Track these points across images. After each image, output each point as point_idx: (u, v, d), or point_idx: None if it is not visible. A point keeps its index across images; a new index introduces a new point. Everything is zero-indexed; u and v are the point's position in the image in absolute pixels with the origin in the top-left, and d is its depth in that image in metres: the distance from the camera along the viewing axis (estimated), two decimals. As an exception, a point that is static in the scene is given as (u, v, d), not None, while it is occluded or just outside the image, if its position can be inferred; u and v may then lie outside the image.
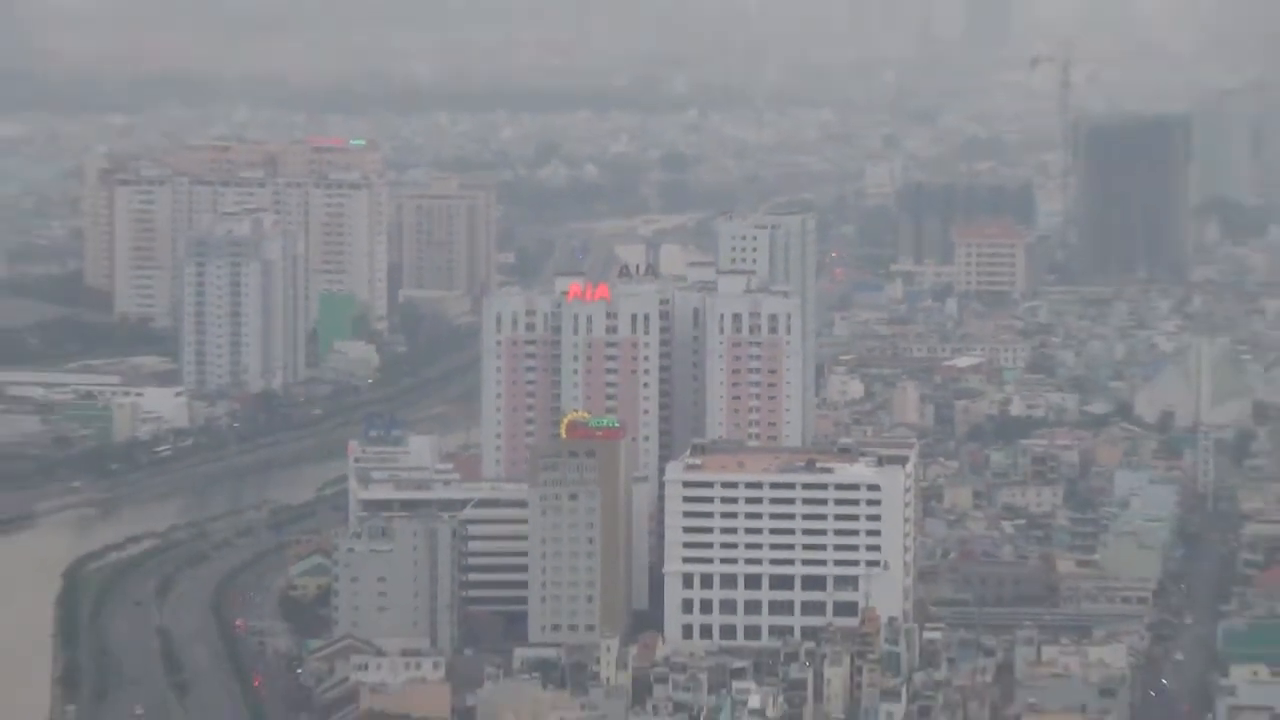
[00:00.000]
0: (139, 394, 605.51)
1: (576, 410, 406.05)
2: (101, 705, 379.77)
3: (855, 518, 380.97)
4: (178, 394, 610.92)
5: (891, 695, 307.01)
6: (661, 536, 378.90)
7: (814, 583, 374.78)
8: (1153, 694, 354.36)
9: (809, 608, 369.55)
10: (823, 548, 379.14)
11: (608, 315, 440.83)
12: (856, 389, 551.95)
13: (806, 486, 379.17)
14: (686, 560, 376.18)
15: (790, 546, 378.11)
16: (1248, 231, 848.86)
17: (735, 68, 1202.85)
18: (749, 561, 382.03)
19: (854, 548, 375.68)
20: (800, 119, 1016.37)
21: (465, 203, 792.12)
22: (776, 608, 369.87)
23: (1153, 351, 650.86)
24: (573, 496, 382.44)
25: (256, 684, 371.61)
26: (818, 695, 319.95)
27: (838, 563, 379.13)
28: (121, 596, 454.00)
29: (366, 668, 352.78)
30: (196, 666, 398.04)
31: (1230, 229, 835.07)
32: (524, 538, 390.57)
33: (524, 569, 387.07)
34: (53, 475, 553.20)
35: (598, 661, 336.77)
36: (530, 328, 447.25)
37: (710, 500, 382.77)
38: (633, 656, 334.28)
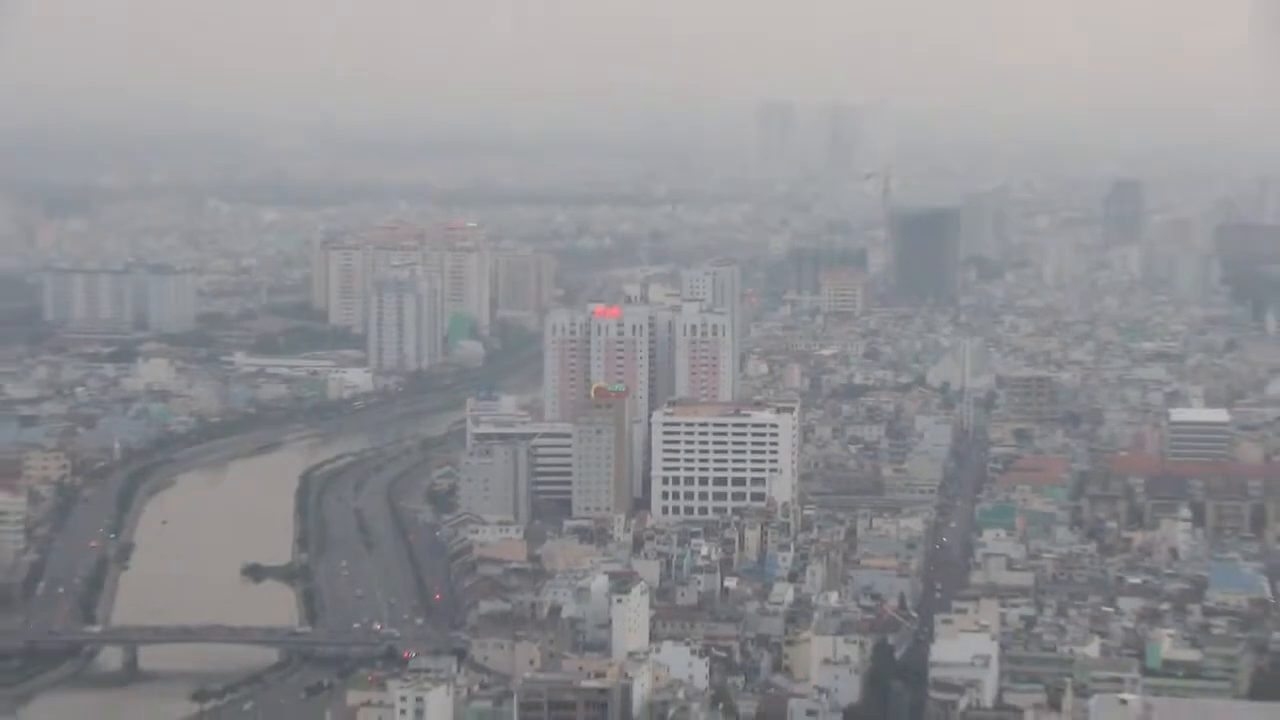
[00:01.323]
0: (343, 372, 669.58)
1: (600, 381, 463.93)
2: (321, 554, 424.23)
3: (763, 443, 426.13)
4: (366, 371, 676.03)
5: (784, 547, 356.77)
6: (649, 455, 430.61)
7: (739, 481, 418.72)
8: (937, 547, 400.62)
9: (736, 496, 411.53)
10: (744, 461, 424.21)
11: (618, 325, 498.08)
12: (763, 368, 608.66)
13: (735, 426, 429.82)
14: (664, 468, 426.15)
15: (725, 460, 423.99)
16: (992, 275, 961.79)
17: (693, 179, 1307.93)
18: (700, 468, 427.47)
19: (762, 461, 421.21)
20: (731, 210, 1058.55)
21: (534, 260, 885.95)
22: (717, 496, 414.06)
23: (937, 346, 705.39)
24: (598, 431, 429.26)
25: (412, 541, 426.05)
26: (741, 547, 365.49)
27: (753, 469, 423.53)
28: (333, 490, 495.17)
29: (477, 531, 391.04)
30: (377, 532, 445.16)
31: (982, 274, 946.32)
32: (569, 455, 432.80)
33: (569, 473, 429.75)
34: (293, 419, 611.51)
35: (612, 528, 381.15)
36: (572, 333, 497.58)
37: (678, 433, 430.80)
38: (633, 525, 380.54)
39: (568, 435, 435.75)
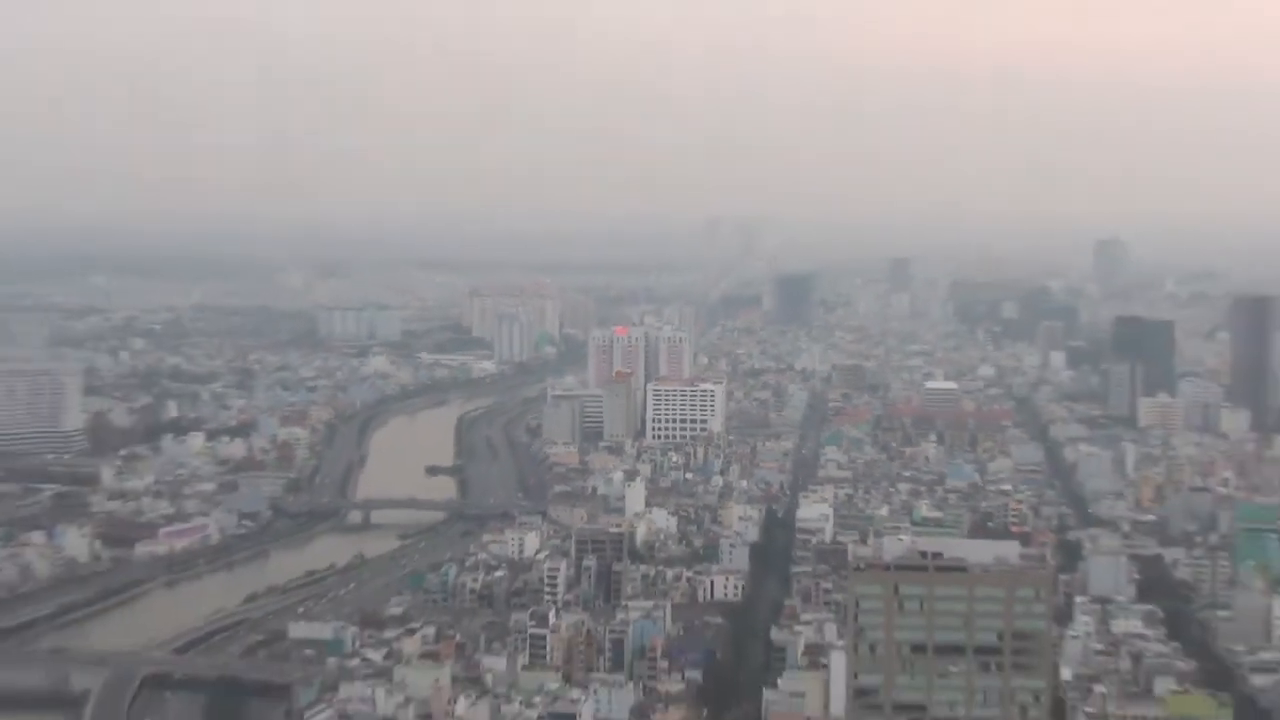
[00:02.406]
0: (480, 363, 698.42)
1: (619, 367, 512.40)
2: (468, 460, 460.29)
3: (707, 401, 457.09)
4: (492, 363, 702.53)
5: (718, 457, 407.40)
6: (645, 407, 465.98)
7: (693, 421, 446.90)
8: (799, 456, 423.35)
9: (692, 429, 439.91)
10: (696, 410, 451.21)
11: (628, 339, 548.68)
12: (705, 361, 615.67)
13: (691, 391, 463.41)
14: (653, 414, 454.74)
15: (686, 409, 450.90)
16: (830, 309, 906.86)
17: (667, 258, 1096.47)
18: (671, 414, 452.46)
19: (706, 410, 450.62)
20: (689, 275, 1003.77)
21: (582, 302, 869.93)
22: (681, 429, 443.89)
23: (799, 348, 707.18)
24: (617, 395, 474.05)
25: (517, 453, 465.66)
26: (694, 457, 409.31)
27: (701, 415, 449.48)
28: (474, 426, 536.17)
29: (553, 447, 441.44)
30: (498, 448, 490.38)
31: (825, 308, 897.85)
32: (601, 407, 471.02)
33: (602, 417, 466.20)
34: (453, 389, 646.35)
35: (625, 447, 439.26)
36: (603, 342, 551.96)
37: (661, 396, 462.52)
38: (636, 445, 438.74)
39: (600, 396, 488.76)
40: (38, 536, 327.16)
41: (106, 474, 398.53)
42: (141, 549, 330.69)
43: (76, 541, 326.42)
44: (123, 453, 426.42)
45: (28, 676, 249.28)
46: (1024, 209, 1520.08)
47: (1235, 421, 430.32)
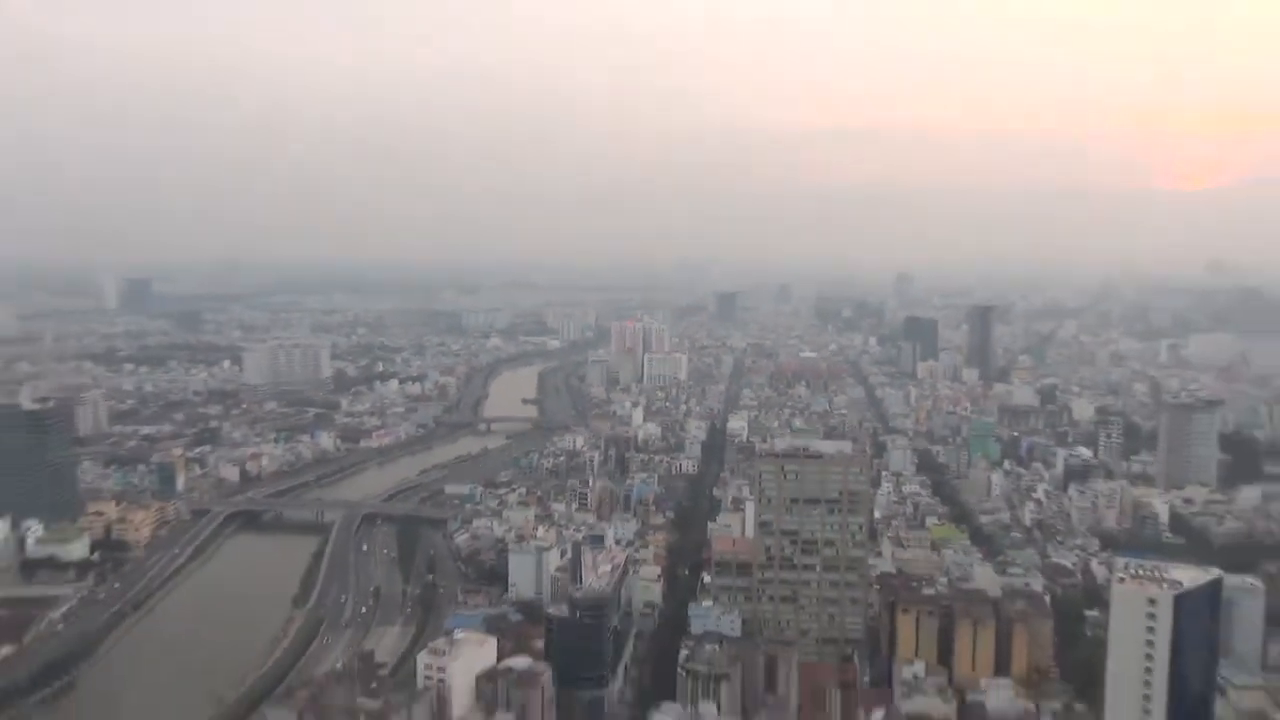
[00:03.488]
0: (551, 342, 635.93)
1: (626, 344, 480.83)
2: (544, 396, 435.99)
3: (677, 364, 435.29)
4: (558, 342, 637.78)
5: (683, 398, 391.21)
6: (644, 367, 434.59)
7: (670, 376, 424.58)
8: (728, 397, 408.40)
9: (669, 379, 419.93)
10: (670, 368, 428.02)
11: (633, 328, 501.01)
12: (678, 340, 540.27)
13: (669, 358, 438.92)
14: (648, 370, 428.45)
15: (665, 368, 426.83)
16: (747, 309, 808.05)
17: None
18: (656, 370, 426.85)
19: (677, 368, 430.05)
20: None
21: (606, 307, 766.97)
22: (663, 382, 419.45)
23: (729, 333, 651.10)
24: (627, 360, 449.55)
25: (573, 392, 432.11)
26: (670, 396, 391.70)
27: (673, 371, 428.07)
28: (548, 376, 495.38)
29: (593, 388, 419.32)
30: (562, 389, 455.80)
31: (743, 310, 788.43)
32: (619, 368, 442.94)
33: (619, 372, 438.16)
34: (536, 357, 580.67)
35: (631, 389, 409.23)
36: (620, 329, 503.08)
37: (652, 360, 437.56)
38: (638, 388, 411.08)
39: (619, 360, 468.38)
40: (305, 437, 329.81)
41: (343, 402, 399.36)
42: (362, 444, 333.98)
43: (326, 440, 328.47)
44: (352, 391, 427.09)
45: (302, 513, 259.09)
46: (852, 255, 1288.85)
47: (970, 376, 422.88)
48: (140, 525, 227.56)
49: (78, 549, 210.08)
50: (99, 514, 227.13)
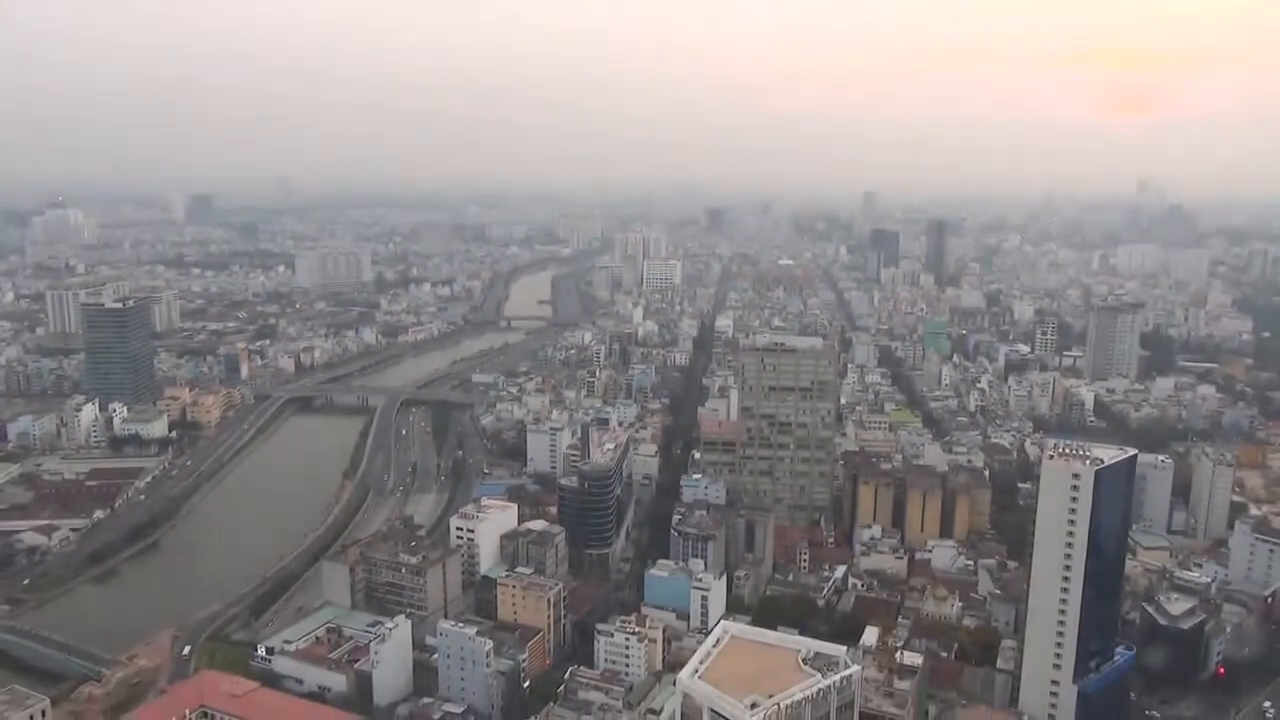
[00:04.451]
0: (563, 251, 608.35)
1: (630, 253, 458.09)
2: (557, 298, 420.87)
3: (673, 270, 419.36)
4: (569, 250, 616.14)
5: (677, 298, 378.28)
6: (643, 272, 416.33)
7: (666, 279, 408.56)
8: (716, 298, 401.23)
9: (665, 283, 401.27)
10: (666, 274, 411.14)
11: (636, 239, 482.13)
12: (671, 249, 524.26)
13: (664, 264, 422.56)
14: (647, 275, 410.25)
15: (661, 273, 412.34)
16: (737, 223, 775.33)
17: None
18: (654, 275, 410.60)
19: (672, 274, 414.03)
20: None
21: (613, 221, 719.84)
22: (660, 283, 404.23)
23: (715, 243, 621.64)
24: (629, 266, 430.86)
25: (583, 299, 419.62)
26: (666, 297, 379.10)
27: (669, 276, 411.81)
28: (560, 282, 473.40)
29: (600, 293, 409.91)
30: (572, 294, 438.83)
31: None
32: (622, 272, 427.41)
33: (622, 277, 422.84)
34: (549, 263, 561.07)
35: (633, 292, 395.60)
36: (623, 240, 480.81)
37: (651, 266, 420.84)
38: (639, 290, 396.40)
39: (621, 267, 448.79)
40: (350, 332, 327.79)
41: (383, 302, 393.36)
42: (400, 339, 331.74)
43: (368, 335, 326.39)
44: (390, 292, 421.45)
45: (348, 398, 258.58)
46: (832, 172, 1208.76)
47: (927, 281, 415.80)
48: (210, 408, 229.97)
49: (158, 428, 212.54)
50: (175, 398, 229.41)
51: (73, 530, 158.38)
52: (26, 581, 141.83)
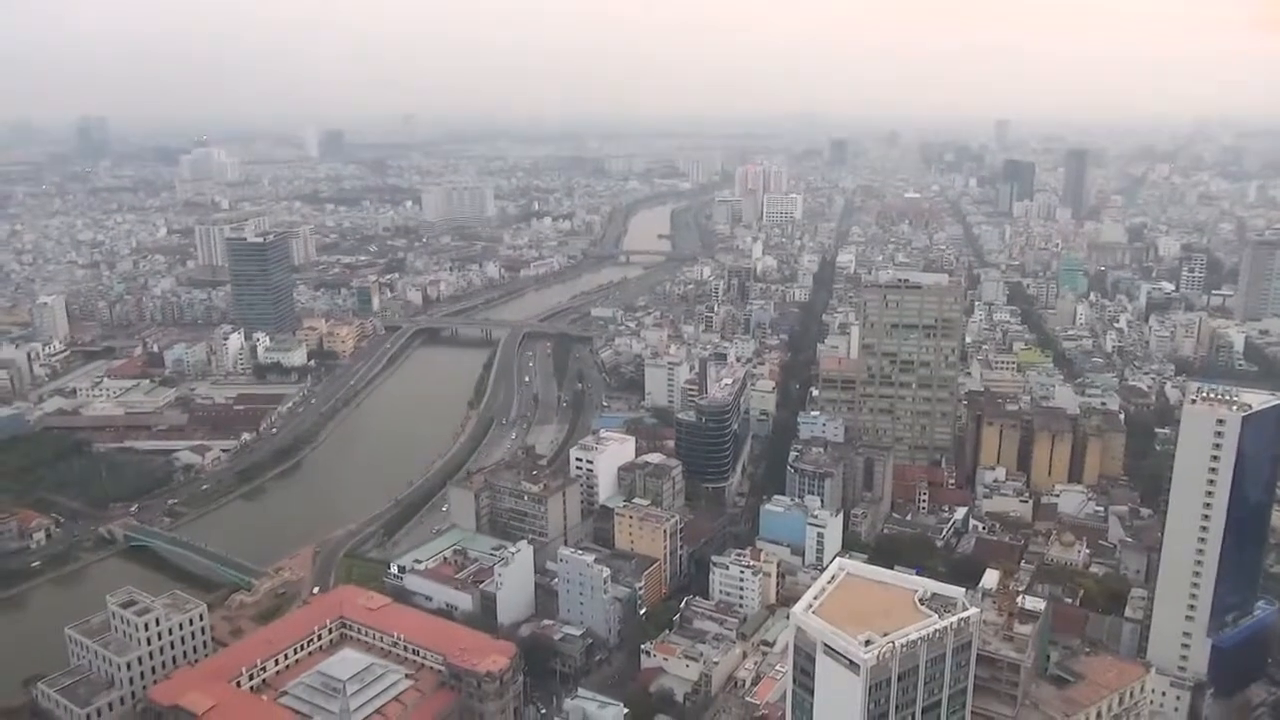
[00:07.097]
0: (682, 184, 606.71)
1: (750, 186, 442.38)
2: (676, 232, 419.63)
3: (793, 203, 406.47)
4: (689, 184, 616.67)
5: (798, 232, 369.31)
6: (763, 206, 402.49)
7: (786, 214, 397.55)
8: (839, 233, 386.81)
9: (785, 217, 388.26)
10: (787, 208, 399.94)
11: (756, 172, 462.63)
12: (793, 183, 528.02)
13: (785, 198, 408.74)
14: (767, 209, 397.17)
15: (782, 207, 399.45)
16: (861, 155, 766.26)
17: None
18: (774, 209, 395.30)
19: (792, 207, 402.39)
20: None
21: (734, 153, 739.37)
22: (780, 217, 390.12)
23: (838, 176, 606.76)
24: (749, 200, 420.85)
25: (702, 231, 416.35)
26: (786, 232, 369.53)
27: (789, 210, 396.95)
28: (680, 216, 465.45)
29: (719, 227, 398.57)
30: (691, 228, 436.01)
31: None
32: (742, 206, 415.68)
33: (742, 211, 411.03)
34: (669, 197, 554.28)
35: (752, 226, 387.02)
36: (743, 173, 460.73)
37: (771, 200, 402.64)
38: (758, 224, 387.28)
39: (741, 201, 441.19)
40: (474, 266, 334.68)
41: (505, 236, 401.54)
42: (522, 273, 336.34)
43: (492, 269, 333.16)
44: (513, 227, 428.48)
45: (473, 330, 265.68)
46: (963, 101, 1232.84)
47: (1063, 215, 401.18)
48: (345, 338, 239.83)
49: (297, 356, 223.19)
50: (312, 328, 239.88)
51: (223, 451, 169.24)
52: (182, 498, 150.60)
